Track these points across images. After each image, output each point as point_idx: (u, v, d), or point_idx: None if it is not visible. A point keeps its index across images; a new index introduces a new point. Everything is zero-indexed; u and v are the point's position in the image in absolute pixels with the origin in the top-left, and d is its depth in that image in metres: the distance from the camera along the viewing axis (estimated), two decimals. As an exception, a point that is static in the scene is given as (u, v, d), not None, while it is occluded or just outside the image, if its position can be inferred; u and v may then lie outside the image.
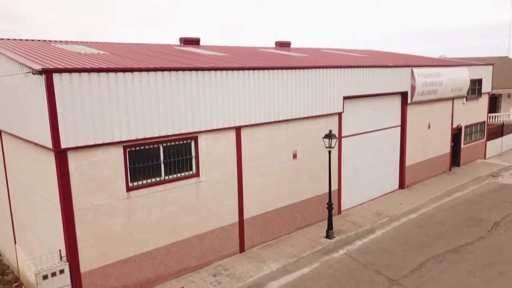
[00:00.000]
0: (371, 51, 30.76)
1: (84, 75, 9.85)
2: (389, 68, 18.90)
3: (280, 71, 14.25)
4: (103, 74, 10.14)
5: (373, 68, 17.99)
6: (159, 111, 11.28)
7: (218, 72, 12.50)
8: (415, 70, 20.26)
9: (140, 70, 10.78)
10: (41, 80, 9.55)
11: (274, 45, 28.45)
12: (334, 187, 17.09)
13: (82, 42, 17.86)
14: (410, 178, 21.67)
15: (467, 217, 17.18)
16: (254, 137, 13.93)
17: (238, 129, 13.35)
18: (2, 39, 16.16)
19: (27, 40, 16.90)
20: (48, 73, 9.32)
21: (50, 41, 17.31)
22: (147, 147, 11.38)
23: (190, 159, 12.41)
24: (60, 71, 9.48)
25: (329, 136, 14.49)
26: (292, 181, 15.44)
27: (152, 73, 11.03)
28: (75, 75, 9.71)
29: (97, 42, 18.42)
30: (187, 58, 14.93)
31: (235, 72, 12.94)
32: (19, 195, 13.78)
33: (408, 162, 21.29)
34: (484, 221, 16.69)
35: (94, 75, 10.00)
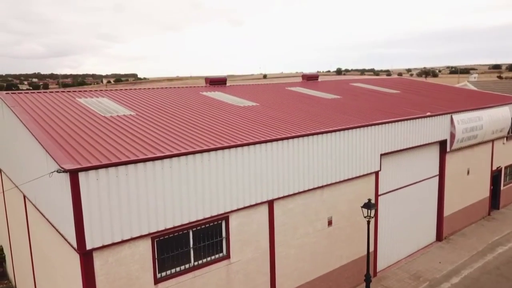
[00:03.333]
0: (401, 81, 29.52)
1: (112, 170, 9.16)
2: (428, 118, 17.74)
3: (314, 136, 13.33)
4: (131, 166, 9.44)
5: (411, 121, 16.86)
6: (190, 196, 10.51)
7: (251, 147, 11.67)
8: (455, 117, 19.02)
9: (171, 156, 10.03)
10: (65, 177, 8.89)
11: (300, 78, 27.58)
12: (370, 249, 16.02)
13: (107, 92, 17.32)
14: (448, 229, 20.38)
15: (515, 284, 15.86)
16: (287, 208, 13.04)
17: (271, 203, 12.48)
18: (21, 92, 15.70)
19: (51, 92, 16.46)
20: (73, 173, 8.66)
21: (74, 92, 16.83)
22: (176, 234, 10.61)
23: (220, 241, 11.59)
24: (86, 169, 8.80)
25: (368, 205, 13.47)
26: (327, 250, 14.47)
27: (183, 158, 10.27)
28: (102, 171, 9.02)
29: (122, 90, 17.85)
30: (217, 117, 14.15)
31: (268, 144, 12.08)
32: (42, 266, 13.22)
33: (445, 212, 20.02)
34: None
35: (122, 168, 9.30)
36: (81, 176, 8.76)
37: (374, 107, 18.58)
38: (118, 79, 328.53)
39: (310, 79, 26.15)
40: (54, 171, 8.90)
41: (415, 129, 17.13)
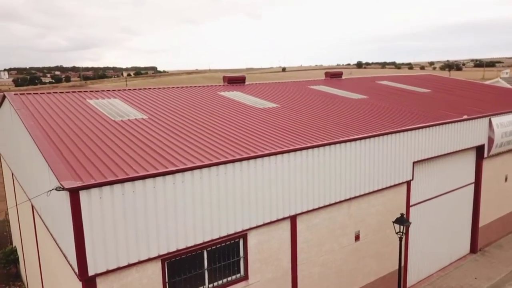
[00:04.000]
0: (430, 78, 27.83)
1: (117, 187, 8.19)
2: (465, 122, 16.26)
3: (342, 145, 12.11)
4: (139, 183, 8.44)
5: (446, 125, 15.43)
6: (204, 213, 9.48)
7: (272, 157, 10.54)
8: (494, 120, 17.45)
9: (184, 170, 9.00)
10: (66, 196, 7.95)
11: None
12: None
13: (119, 92, 16.41)
14: (483, 239, 18.88)
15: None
16: (312, 223, 11.90)
17: (293, 218, 11.36)
18: (29, 93, 14.92)
19: (61, 92, 15.65)
20: (74, 192, 7.72)
21: (85, 92, 15.99)
22: (189, 255, 9.61)
23: (238, 261, 10.54)
24: (88, 187, 7.85)
25: (400, 221, 12.22)
26: (353, 267, 13.29)
27: (197, 172, 9.23)
28: (106, 189, 8.05)
29: (135, 90, 16.92)
30: (234, 122, 13.05)
31: (291, 154, 10.94)
32: (49, 277, 12.46)
33: (481, 222, 18.52)
34: None
35: (128, 185, 8.32)
36: (83, 195, 7.81)
37: (404, 109, 17.17)
38: (138, 72, 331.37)
39: (333, 76, 24.78)
40: (53, 189, 7.97)
41: (450, 134, 15.69)
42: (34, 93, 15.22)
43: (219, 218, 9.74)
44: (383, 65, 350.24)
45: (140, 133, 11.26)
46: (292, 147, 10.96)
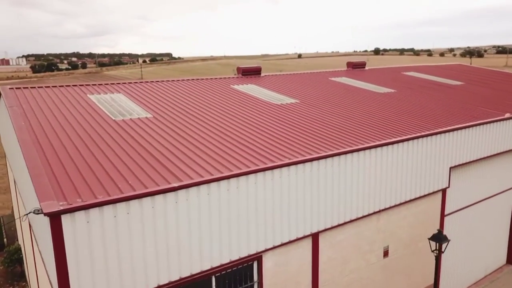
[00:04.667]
0: (460, 69, 25.78)
1: (108, 208, 6.84)
2: (509, 120, 14.46)
3: (371, 150, 10.55)
4: (134, 203, 7.09)
5: (488, 125, 13.68)
6: (212, 234, 8.10)
7: (292, 167, 9.07)
8: (540, 117, 15.56)
9: (188, 186, 7.61)
10: (46, 220, 6.65)
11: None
12: (431, 280, 13.25)
13: (124, 85, 15.06)
14: (521, 249, 17.18)
15: None
16: (336, 240, 10.44)
17: (315, 236, 9.92)
18: (26, 87, 13.70)
19: (61, 86, 14.38)
20: (54, 217, 6.40)
21: (87, 86, 14.68)
22: (194, 283, 8.27)
23: (251, 286, 9.17)
24: (73, 210, 6.52)
25: (438, 238, 10.67)
26: (381, 285, 11.83)
27: (204, 187, 7.83)
28: (94, 211, 6.72)
29: (142, 83, 15.56)
30: (248, 121, 11.59)
31: (314, 163, 9.44)
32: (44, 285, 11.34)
33: (520, 230, 16.81)
34: None
35: (122, 206, 6.97)
36: (65, 219, 6.49)
37: (438, 105, 15.43)
38: (153, 58, 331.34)
39: (356, 67, 23.01)
40: (30, 212, 6.68)
41: (492, 135, 13.94)
42: (31, 87, 14.00)
43: (229, 239, 8.36)
44: (401, 51, 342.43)
45: (142, 137, 9.89)
46: (314, 155, 9.45)
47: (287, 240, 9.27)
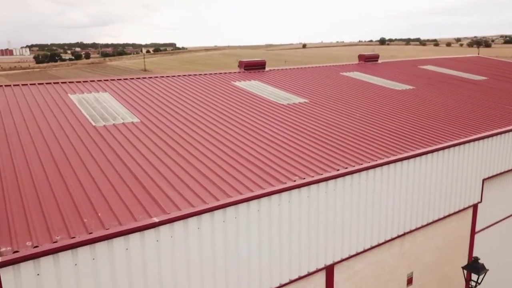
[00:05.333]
0: (480, 61, 23.91)
1: (66, 255, 5.27)
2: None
3: (396, 164, 8.89)
4: (102, 246, 5.50)
5: (526, 129, 11.95)
6: (204, 273, 6.52)
7: (304, 189, 7.44)
8: None
9: (176, 219, 6.01)
10: (-17, 272, 5.08)
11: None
12: (459, 306, 11.67)
13: (113, 82, 13.43)
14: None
15: None
16: (353, 270, 8.85)
17: (329, 268, 8.32)
18: (1, 85, 12.13)
19: (40, 84, 12.76)
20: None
21: (70, 83, 13.05)
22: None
23: (254, 332, 7.62)
24: (16, 261, 4.94)
25: (475, 268, 9.08)
26: (403, 318, 10.27)
27: (192, 220, 6.23)
28: (47, 260, 5.15)
29: (133, 80, 13.91)
30: (250, 128, 9.94)
31: (330, 182, 7.81)
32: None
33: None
34: None
35: (86, 249, 5.39)
36: (6, 273, 4.93)
37: (463, 104, 13.70)
38: (157, 48, 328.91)
39: (368, 60, 21.20)
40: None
41: (529, 141, 12.22)
42: (6, 85, 12.42)
43: (225, 277, 6.78)
44: (407, 41, 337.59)
45: (126, 149, 8.29)
46: (327, 175, 7.79)
47: (296, 277, 7.68)
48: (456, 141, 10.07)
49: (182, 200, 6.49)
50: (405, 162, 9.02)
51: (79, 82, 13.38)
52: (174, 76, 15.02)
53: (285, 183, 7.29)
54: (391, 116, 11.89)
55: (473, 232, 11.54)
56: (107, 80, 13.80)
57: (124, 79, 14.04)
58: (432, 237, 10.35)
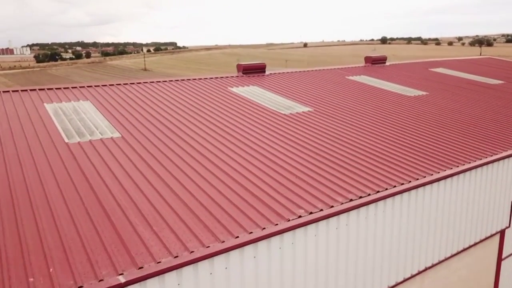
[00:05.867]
0: (494, 63, 22.58)
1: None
2: None
3: (413, 192, 7.58)
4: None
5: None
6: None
7: (311, 227, 6.14)
8: None
9: (165, 271, 4.71)
10: None
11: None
12: None
13: (97, 88, 12.15)
14: None
15: None
16: (368, 314, 7.54)
17: (341, 315, 7.01)
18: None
19: (15, 91, 11.49)
20: None
21: (49, 90, 11.77)
22: None
23: None
24: None
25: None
26: None
27: (187, 270, 4.94)
28: None
29: (120, 85, 12.62)
30: (246, 145, 8.64)
31: (331, 220, 6.50)
32: None
33: None
34: None
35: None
36: None
37: (483, 112, 12.38)
38: (158, 47, 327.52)
39: (375, 62, 19.87)
40: None
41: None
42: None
43: None
44: (409, 40, 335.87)
45: (98, 173, 7.00)
46: (336, 208, 6.48)
47: (301, 330, 6.38)
48: (485, 160, 8.76)
49: (164, 232, 5.19)
50: (427, 186, 7.71)
51: (59, 88, 12.11)
52: (165, 81, 13.71)
53: (289, 220, 5.98)
54: (408, 129, 10.56)
55: (499, 259, 10.24)
56: (90, 86, 12.52)
57: (110, 85, 12.74)
58: (456, 269, 9.05)
